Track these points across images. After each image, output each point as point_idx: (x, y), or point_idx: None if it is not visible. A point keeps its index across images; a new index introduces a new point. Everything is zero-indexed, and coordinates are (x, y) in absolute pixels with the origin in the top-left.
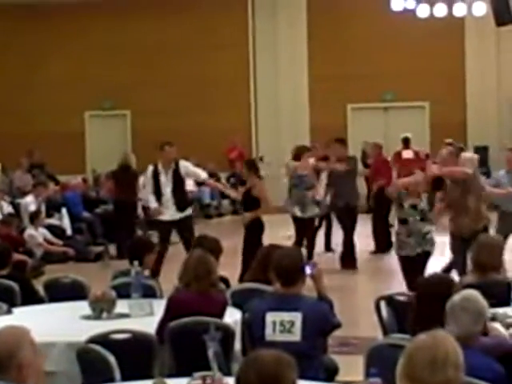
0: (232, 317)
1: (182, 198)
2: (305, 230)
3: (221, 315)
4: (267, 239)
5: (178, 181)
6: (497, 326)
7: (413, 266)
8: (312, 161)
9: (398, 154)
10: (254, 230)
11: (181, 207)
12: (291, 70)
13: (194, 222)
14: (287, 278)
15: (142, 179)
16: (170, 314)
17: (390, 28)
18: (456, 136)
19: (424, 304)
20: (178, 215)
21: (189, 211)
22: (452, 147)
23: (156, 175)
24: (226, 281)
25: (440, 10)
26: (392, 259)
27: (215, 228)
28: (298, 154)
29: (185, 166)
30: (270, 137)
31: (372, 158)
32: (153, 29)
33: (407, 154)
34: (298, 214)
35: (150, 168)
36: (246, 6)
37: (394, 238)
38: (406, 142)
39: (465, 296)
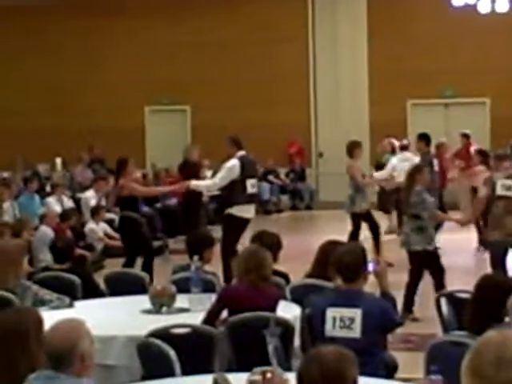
0: (291, 312)
1: None
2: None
3: (272, 309)
4: (327, 235)
5: None
6: None
7: None
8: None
9: (466, 149)
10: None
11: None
12: (351, 65)
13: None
14: (348, 274)
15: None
16: (220, 304)
17: (450, 23)
18: None
19: (482, 302)
20: None
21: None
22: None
23: None
24: (285, 276)
25: (501, 6)
26: (455, 256)
27: (274, 224)
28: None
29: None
30: (330, 132)
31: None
32: (212, 25)
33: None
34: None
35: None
36: (305, 1)
37: None
38: (469, 138)
39: None
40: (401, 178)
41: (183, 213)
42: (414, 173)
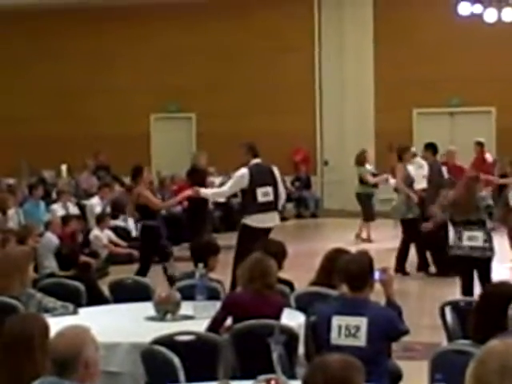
0: (296, 320)
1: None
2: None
3: (277, 317)
4: (332, 243)
5: None
6: None
7: None
8: None
9: (483, 159)
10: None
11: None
12: (357, 73)
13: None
14: (355, 282)
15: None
16: (224, 312)
17: (456, 32)
18: None
19: (485, 311)
20: None
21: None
22: None
23: None
24: (290, 284)
25: (508, 15)
26: None
27: (279, 232)
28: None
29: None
30: (335, 141)
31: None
32: (218, 32)
33: (490, 158)
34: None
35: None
36: (312, 10)
37: None
38: (483, 146)
39: None
40: (420, 184)
41: (188, 220)
42: (475, 180)
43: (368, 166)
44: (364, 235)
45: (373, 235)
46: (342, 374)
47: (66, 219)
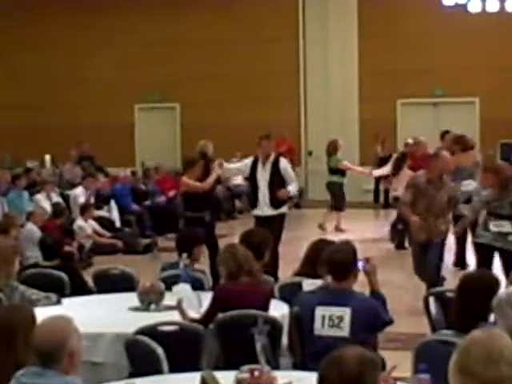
0: (279, 310)
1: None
2: None
3: (266, 307)
4: (316, 234)
5: (276, 177)
6: None
7: None
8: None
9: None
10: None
11: (275, 204)
12: (341, 64)
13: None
14: (339, 272)
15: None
16: (217, 305)
17: (441, 23)
18: (507, 132)
19: (467, 300)
20: (270, 212)
21: (284, 209)
22: None
23: (254, 167)
24: (274, 274)
25: (492, 5)
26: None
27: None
28: None
29: (284, 164)
30: (319, 131)
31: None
32: (202, 22)
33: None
34: None
35: (251, 158)
36: (296, 0)
37: None
38: None
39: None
40: None
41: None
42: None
43: (339, 156)
44: (327, 224)
45: (345, 225)
46: (357, 369)
47: (57, 211)
